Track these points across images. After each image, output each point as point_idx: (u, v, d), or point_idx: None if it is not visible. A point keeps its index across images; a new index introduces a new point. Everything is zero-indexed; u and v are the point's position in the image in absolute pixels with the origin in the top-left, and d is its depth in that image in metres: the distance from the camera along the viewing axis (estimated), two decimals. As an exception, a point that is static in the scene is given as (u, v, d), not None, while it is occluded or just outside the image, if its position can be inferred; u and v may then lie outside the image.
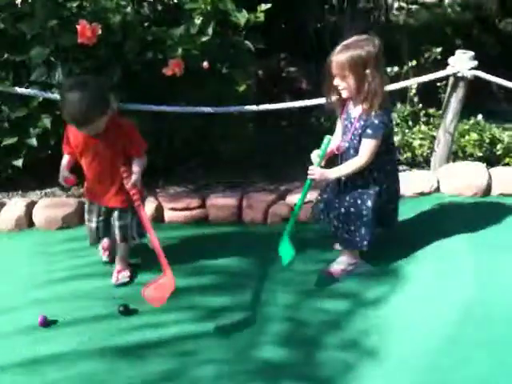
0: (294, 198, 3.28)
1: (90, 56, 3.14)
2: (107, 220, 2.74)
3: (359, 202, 2.67)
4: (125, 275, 2.78)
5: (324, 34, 4.78)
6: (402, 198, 3.05)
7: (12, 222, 3.23)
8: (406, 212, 3.09)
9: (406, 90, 3.82)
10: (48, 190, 3.58)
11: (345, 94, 2.58)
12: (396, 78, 3.72)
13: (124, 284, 2.76)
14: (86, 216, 2.78)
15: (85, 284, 2.75)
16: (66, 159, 2.67)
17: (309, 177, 2.64)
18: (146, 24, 3.21)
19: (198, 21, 3.14)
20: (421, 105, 3.94)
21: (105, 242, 2.88)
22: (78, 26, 2.97)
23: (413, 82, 3.66)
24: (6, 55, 3.21)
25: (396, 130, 3.79)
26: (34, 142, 3.34)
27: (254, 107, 3.31)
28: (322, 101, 3.00)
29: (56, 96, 3.13)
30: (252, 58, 3.40)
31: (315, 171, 2.62)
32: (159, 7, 3.26)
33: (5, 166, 3.50)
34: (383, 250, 2.84)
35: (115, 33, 3.08)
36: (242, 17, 3.27)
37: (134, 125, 2.65)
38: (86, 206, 2.78)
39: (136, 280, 2.78)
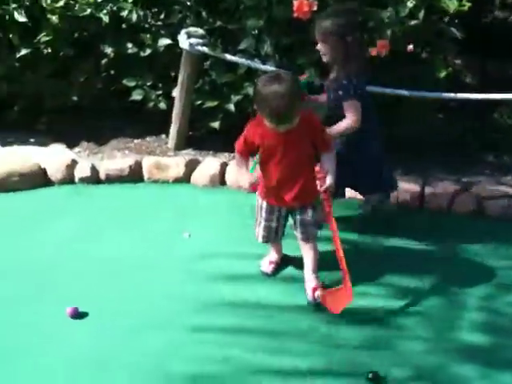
0: (480, 190, 3.26)
1: (297, 31, 3.29)
2: (286, 219, 2.69)
3: None
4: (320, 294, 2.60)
5: (492, 29, 4.63)
6: None
7: (207, 179, 3.49)
8: None
9: None
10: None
11: (324, 59, 2.76)
12: None
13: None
14: (264, 215, 2.64)
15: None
16: (245, 164, 2.57)
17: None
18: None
19: (410, 4, 3.17)
20: None
21: (274, 256, 2.81)
22: (294, 0, 3.13)
23: None
24: (218, 23, 3.46)
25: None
26: (232, 107, 3.57)
27: (451, 95, 3.29)
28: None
29: (261, 66, 3.35)
30: (455, 46, 3.38)
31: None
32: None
33: (201, 127, 3.79)
34: None
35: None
36: (452, 4, 3.25)
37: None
38: (264, 206, 2.63)
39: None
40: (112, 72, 3.69)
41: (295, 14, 3.13)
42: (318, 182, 2.52)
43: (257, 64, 3.36)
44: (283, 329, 2.44)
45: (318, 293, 2.54)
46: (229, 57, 3.39)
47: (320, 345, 2.36)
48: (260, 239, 2.70)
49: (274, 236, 2.70)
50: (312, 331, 2.43)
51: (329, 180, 2.49)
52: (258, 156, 2.56)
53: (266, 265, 2.79)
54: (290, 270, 2.79)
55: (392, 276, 2.73)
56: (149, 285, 2.68)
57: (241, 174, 2.59)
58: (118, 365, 2.26)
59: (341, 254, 2.48)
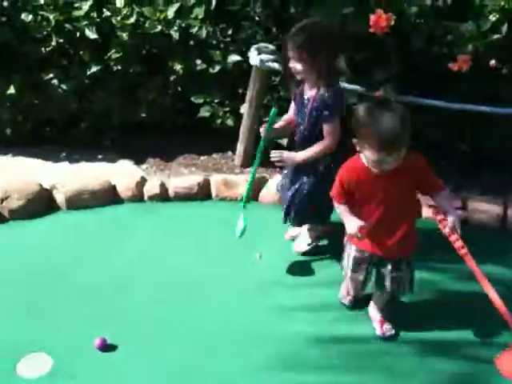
0: None
1: (371, 45, 3.19)
2: (378, 271, 2.42)
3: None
4: (389, 328, 2.50)
5: None
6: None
7: (275, 197, 3.34)
8: None
9: None
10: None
11: (299, 76, 2.57)
12: None
13: (391, 337, 2.50)
14: (350, 264, 2.42)
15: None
16: (347, 209, 2.32)
17: (274, 159, 2.60)
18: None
19: (492, 17, 3.03)
20: None
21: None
22: (371, 15, 3.03)
23: None
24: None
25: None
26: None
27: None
28: None
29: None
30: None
31: (282, 155, 2.59)
32: (449, 0, 3.18)
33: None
34: None
35: (406, 23, 3.08)
36: (537, 16, 3.09)
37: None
38: (353, 253, 2.40)
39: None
40: (179, 89, 3.65)
41: (371, 29, 3.04)
42: (439, 226, 2.25)
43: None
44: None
45: (386, 326, 2.47)
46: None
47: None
48: (343, 293, 2.59)
49: (360, 291, 2.51)
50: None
51: (451, 217, 2.22)
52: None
53: (345, 296, 2.63)
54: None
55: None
56: (225, 311, 2.63)
57: (348, 221, 2.29)
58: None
59: (498, 302, 2.20)
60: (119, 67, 3.41)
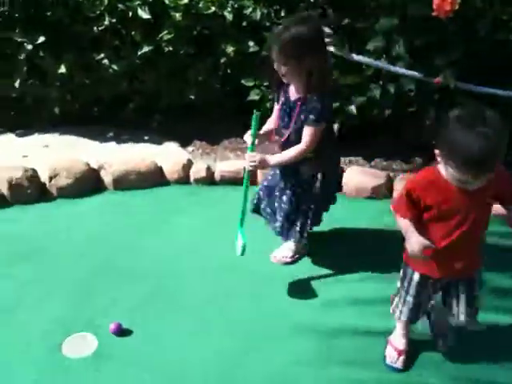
0: None
1: (433, 30, 3.06)
2: (447, 292, 2.18)
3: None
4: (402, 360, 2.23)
5: None
6: None
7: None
8: None
9: None
10: (352, 158, 3.64)
11: (285, 79, 2.42)
12: None
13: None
14: (412, 290, 2.14)
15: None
16: (413, 225, 2.01)
17: (248, 164, 2.46)
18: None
19: None
20: None
21: (403, 342, 2.26)
22: (434, -2, 2.90)
23: None
24: (346, 20, 3.28)
25: None
26: (353, 109, 3.39)
27: None
28: None
29: (391, 68, 3.14)
30: None
31: (255, 158, 2.43)
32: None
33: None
34: None
35: (471, 8, 2.94)
36: None
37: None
38: (416, 278, 2.12)
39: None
40: (229, 71, 3.59)
41: (434, 13, 2.91)
42: None
43: (386, 66, 3.16)
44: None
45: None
46: (356, 57, 3.20)
47: None
48: (403, 318, 2.20)
49: (420, 317, 2.24)
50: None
51: None
52: (422, 214, 2.00)
53: (394, 356, 2.24)
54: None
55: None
56: (269, 297, 2.56)
57: (411, 239, 1.99)
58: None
59: None
60: (170, 48, 3.36)
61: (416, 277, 2.12)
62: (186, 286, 2.64)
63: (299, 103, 2.44)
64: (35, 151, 3.65)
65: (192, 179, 3.40)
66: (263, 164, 2.48)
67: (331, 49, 3.18)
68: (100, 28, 3.42)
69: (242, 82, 3.50)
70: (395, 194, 3.21)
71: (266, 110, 3.54)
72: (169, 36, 3.28)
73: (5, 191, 3.17)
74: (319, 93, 2.38)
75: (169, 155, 3.53)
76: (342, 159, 3.61)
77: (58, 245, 2.88)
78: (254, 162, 2.46)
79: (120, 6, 3.24)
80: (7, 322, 2.46)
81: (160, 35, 3.30)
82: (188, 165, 3.40)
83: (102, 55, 3.48)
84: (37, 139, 3.80)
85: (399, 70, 3.15)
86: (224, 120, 3.86)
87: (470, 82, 3.08)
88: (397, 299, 2.22)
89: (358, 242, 2.89)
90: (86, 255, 2.82)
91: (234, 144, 3.79)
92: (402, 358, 2.22)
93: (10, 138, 3.82)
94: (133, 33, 3.37)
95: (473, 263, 2.08)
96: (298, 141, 2.47)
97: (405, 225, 2.02)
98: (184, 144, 3.77)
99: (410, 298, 2.15)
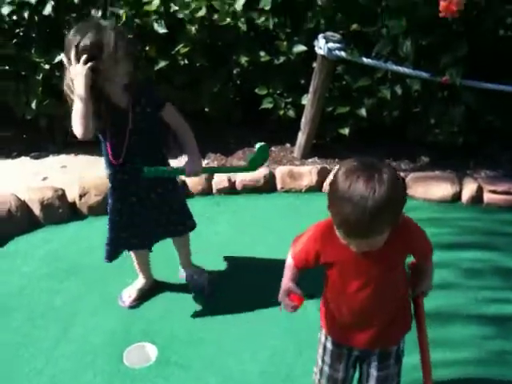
0: None
1: (439, 29, 3.23)
2: (360, 368, 1.94)
3: None
4: None
5: None
6: None
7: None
8: None
9: None
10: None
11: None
12: None
13: None
14: (327, 359, 1.90)
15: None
16: (292, 271, 1.79)
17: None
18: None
19: None
20: None
21: None
22: (441, 1, 3.06)
23: None
24: (354, 26, 3.43)
25: None
26: (363, 112, 3.53)
27: None
28: None
29: (399, 69, 3.30)
30: None
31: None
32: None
33: (327, 134, 3.75)
34: None
35: (475, 7, 3.13)
36: None
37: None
38: (330, 346, 1.89)
39: None
40: (238, 82, 3.68)
41: (441, 14, 3.09)
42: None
43: (394, 67, 3.32)
44: None
45: None
46: (366, 60, 3.35)
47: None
48: None
49: None
50: None
51: (427, 282, 1.84)
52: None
53: None
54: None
55: None
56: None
57: (283, 283, 1.79)
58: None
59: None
60: (186, 61, 3.43)
61: (329, 344, 1.89)
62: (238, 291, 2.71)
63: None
64: (54, 172, 3.66)
65: (214, 190, 3.49)
66: None
67: (342, 54, 3.34)
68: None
69: (256, 90, 3.60)
70: (409, 192, 3.36)
71: (278, 116, 3.71)
72: (185, 49, 3.35)
73: (37, 212, 3.18)
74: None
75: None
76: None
77: (97, 261, 2.87)
78: None
79: (136, 21, 3.29)
80: (67, 336, 2.50)
81: (176, 49, 3.37)
82: (210, 176, 3.48)
83: (119, 72, 3.52)
84: (53, 161, 3.80)
85: (407, 70, 3.32)
86: (236, 130, 3.95)
87: (475, 78, 3.27)
88: (315, 369, 1.99)
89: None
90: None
91: (247, 153, 3.88)
92: None
93: (25, 160, 3.81)
94: (147, 48, 3.42)
95: (389, 334, 1.79)
96: None
97: (288, 264, 1.81)
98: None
99: (325, 367, 1.92)
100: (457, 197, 3.36)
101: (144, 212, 2.43)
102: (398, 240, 1.63)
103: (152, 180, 2.35)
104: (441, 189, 3.39)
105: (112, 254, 2.51)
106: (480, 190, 3.35)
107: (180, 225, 2.60)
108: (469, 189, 3.35)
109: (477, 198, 3.34)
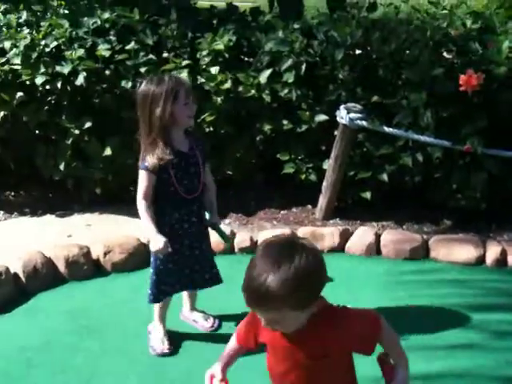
0: None
1: (458, 101, 3.32)
2: None
3: None
4: None
5: None
6: None
7: (363, 248, 3.50)
8: None
9: None
10: (384, 223, 3.83)
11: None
12: None
13: None
14: None
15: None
16: (234, 348, 1.82)
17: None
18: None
19: None
20: None
21: None
22: (461, 75, 3.16)
23: None
24: (374, 97, 3.54)
25: None
26: (385, 177, 3.60)
27: None
28: None
29: (420, 138, 3.38)
30: None
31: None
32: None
33: (349, 197, 3.84)
34: None
35: (494, 82, 3.21)
36: None
37: (367, 313, 1.68)
38: None
39: None
40: (261, 147, 3.79)
41: (462, 88, 3.18)
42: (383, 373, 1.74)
43: (415, 136, 3.40)
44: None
45: None
46: (387, 129, 3.44)
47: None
48: None
49: None
50: None
51: (400, 374, 1.68)
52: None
53: None
54: None
55: None
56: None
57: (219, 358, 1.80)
58: None
59: None
60: (211, 128, 3.55)
61: None
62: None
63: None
64: (78, 230, 3.76)
65: (237, 249, 3.56)
66: None
67: (364, 123, 3.43)
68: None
69: (278, 156, 3.70)
70: (432, 254, 3.42)
71: (300, 180, 3.80)
72: (210, 118, 3.48)
73: (62, 269, 3.28)
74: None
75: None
76: (375, 224, 3.84)
77: (119, 317, 2.97)
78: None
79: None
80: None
81: (202, 117, 3.49)
82: (232, 236, 3.54)
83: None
84: (77, 219, 3.92)
85: (428, 139, 3.40)
86: (256, 192, 4.05)
87: (496, 146, 3.34)
88: None
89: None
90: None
91: (268, 214, 3.96)
92: None
93: (50, 218, 3.93)
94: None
95: None
96: None
97: (231, 340, 1.84)
98: (221, 217, 3.91)
99: None
100: (481, 259, 3.38)
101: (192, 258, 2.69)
102: (323, 329, 1.59)
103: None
104: (464, 251, 3.41)
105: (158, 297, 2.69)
106: (504, 253, 3.37)
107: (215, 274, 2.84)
108: (493, 251, 3.38)
109: (502, 261, 3.36)
